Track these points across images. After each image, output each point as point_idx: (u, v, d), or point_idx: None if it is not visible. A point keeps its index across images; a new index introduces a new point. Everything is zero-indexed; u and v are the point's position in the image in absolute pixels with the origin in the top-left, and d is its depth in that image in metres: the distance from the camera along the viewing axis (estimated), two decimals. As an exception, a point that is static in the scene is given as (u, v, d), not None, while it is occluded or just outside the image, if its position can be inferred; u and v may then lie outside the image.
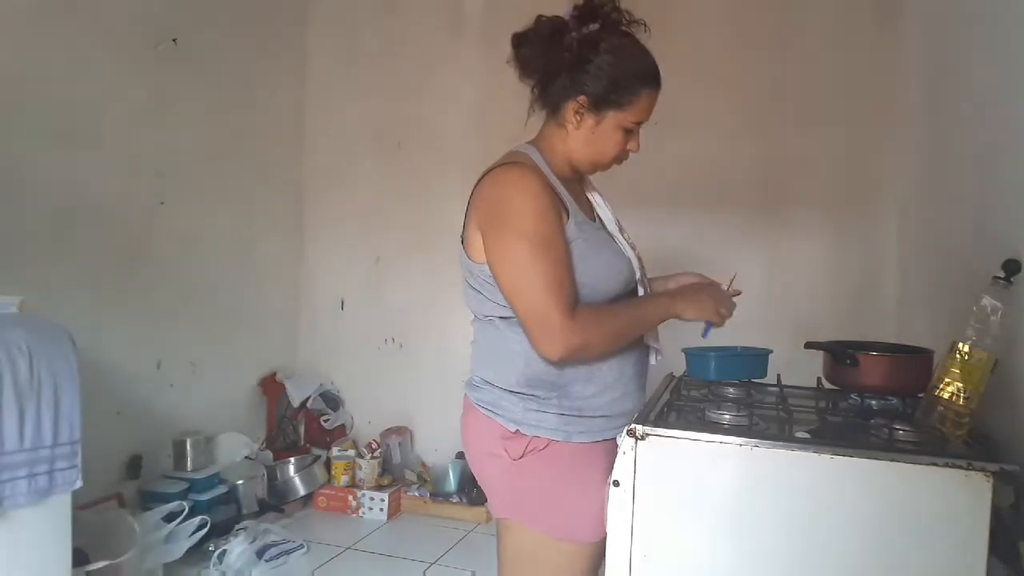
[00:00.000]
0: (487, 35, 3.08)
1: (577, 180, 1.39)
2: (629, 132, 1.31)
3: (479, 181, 1.30)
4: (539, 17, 1.28)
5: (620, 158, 1.34)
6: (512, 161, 1.29)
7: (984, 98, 1.43)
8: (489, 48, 3.05)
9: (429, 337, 3.21)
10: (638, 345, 1.36)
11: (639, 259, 1.36)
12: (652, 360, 1.41)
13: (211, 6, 2.80)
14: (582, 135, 1.30)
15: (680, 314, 1.31)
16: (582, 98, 1.27)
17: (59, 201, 2.25)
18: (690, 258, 2.73)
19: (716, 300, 1.34)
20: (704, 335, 1.38)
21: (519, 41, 1.30)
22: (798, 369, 1.53)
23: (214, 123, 2.85)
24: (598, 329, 1.22)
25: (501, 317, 1.29)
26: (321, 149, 3.38)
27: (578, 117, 1.28)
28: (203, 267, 2.83)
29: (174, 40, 2.64)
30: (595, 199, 1.41)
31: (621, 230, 1.38)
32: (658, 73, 1.30)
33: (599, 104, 1.27)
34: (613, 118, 1.28)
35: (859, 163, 2.64)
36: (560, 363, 1.23)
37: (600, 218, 1.37)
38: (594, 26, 1.27)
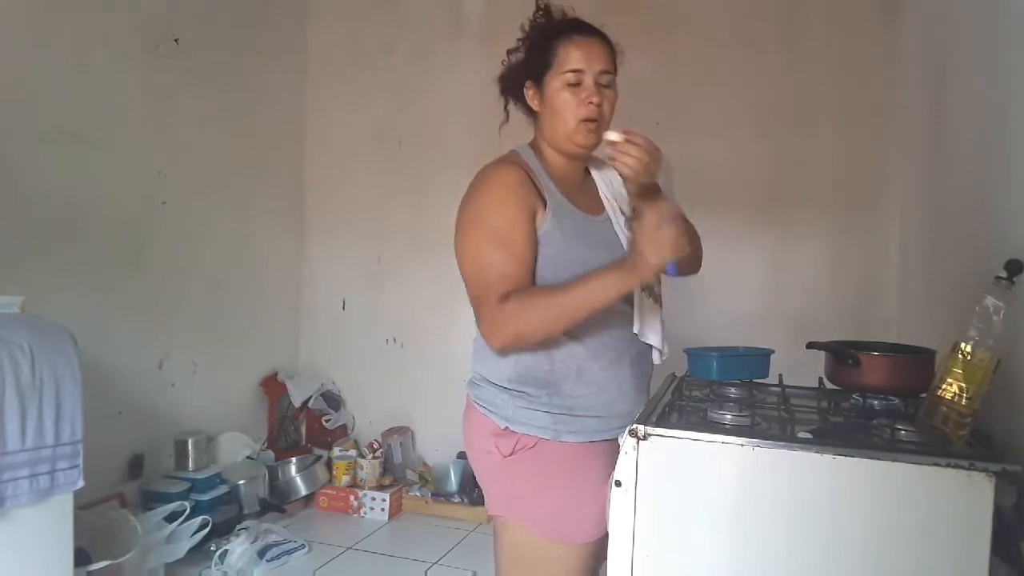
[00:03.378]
0: (487, 35, 3.07)
1: (581, 173, 1.39)
2: (575, 87, 1.29)
3: None
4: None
5: (587, 118, 1.28)
6: (498, 160, 1.34)
7: (984, 98, 1.43)
8: (489, 48, 3.04)
9: (430, 337, 3.20)
10: (637, 345, 1.35)
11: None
12: (656, 360, 1.40)
13: (212, 6, 2.80)
14: (542, 113, 1.34)
15: (642, 277, 1.15)
16: (527, 82, 1.35)
17: (61, 201, 2.25)
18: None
19: (669, 230, 1.11)
20: (671, 273, 1.17)
21: (500, 84, 1.44)
22: (800, 369, 1.52)
23: (215, 123, 2.85)
24: (525, 316, 1.20)
25: None
26: (322, 149, 3.38)
27: (534, 101, 1.35)
28: (205, 267, 2.83)
29: (176, 40, 2.64)
30: (603, 188, 1.40)
31: (628, 221, 1.35)
32: (569, 24, 1.34)
33: (536, 76, 1.33)
34: (551, 82, 1.31)
35: (860, 163, 2.64)
36: (503, 352, 1.26)
37: (608, 212, 1.37)
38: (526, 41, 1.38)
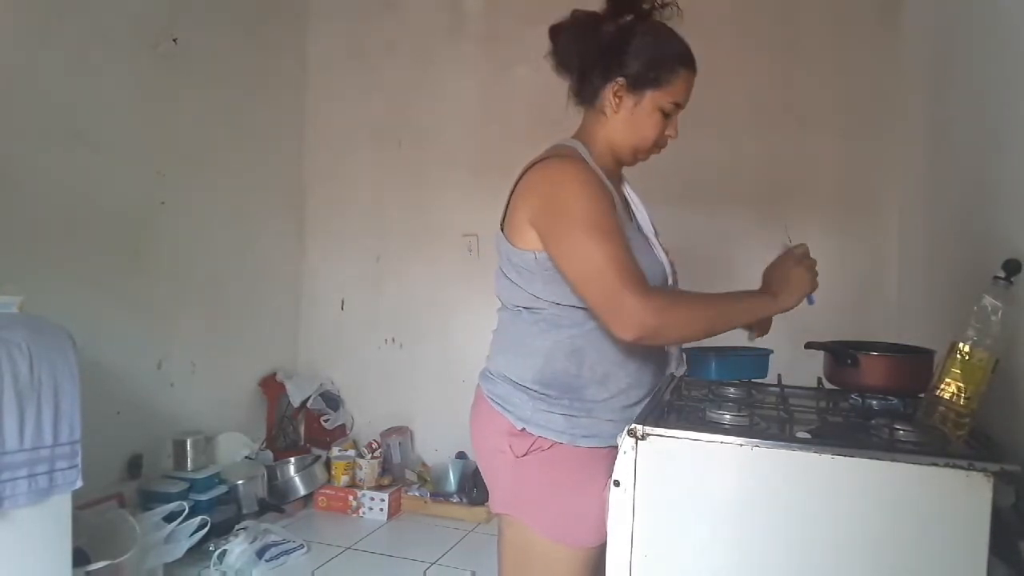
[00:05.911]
0: (487, 34, 3.07)
1: (617, 176, 1.39)
2: (667, 116, 1.30)
3: (525, 172, 1.29)
4: (575, 11, 1.30)
5: (659, 144, 1.34)
6: (560, 154, 1.28)
7: (984, 98, 1.43)
8: (489, 47, 3.05)
9: (429, 337, 3.21)
10: (661, 354, 1.35)
11: (672, 265, 1.34)
12: (673, 369, 1.40)
13: (211, 6, 2.81)
14: (621, 119, 1.30)
15: (785, 306, 1.25)
16: (620, 79, 1.28)
17: (60, 201, 2.25)
18: (691, 258, 2.73)
19: (805, 268, 1.26)
20: (811, 303, 1.29)
21: (556, 32, 1.31)
22: (799, 369, 1.52)
23: (215, 123, 2.85)
24: (674, 311, 1.18)
25: (528, 309, 1.28)
26: (321, 149, 3.38)
27: (617, 100, 1.29)
28: (203, 267, 2.83)
29: (174, 40, 2.64)
30: (632, 198, 1.39)
31: (657, 234, 1.37)
32: (693, 57, 1.32)
33: (637, 84, 1.28)
34: (651, 99, 1.28)
35: (860, 163, 2.64)
36: (636, 342, 1.18)
37: (637, 219, 1.36)
38: (628, 17, 1.30)
